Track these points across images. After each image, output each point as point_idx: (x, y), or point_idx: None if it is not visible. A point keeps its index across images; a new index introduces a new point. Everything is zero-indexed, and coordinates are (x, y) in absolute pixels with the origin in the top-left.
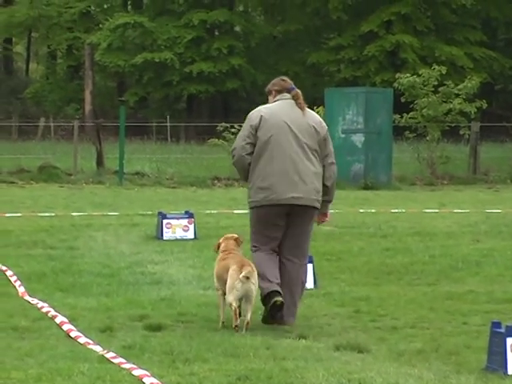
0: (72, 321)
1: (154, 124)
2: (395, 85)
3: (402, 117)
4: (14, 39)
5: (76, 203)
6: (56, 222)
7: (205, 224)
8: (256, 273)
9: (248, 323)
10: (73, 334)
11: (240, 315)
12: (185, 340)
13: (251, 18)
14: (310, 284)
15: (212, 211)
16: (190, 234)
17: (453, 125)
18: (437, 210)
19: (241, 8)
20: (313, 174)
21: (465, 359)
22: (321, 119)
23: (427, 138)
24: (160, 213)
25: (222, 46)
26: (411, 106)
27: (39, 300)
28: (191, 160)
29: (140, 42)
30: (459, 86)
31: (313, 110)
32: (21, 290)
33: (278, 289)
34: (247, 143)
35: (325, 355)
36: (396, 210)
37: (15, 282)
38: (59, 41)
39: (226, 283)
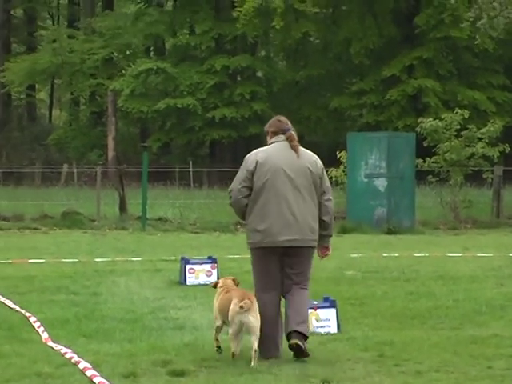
0: (95, 366)
1: (177, 169)
2: (417, 129)
3: (424, 161)
4: (37, 86)
5: (99, 249)
6: (79, 268)
7: (228, 269)
8: (256, 306)
9: (255, 351)
10: (96, 380)
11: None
12: None
13: (273, 63)
14: (333, 329)
15: (235, 256)
16: (213, 279)
17: (476, 169)
18: (460, 254)
19: (263, 53)
20: (308, 215)
21: None
22: (316, 158)
23: (450, 182)
24: (183, 258)
25: (244, 91)
26: (434, 150)
27: (62, 346)
28: (214, 205)
29: (163, 87)
30: (482, 130)
31: (336, 154)
32: (44, 335)
33: (274, 352)
34: (243, 186)
35: None
36: (419, 254)
37: (38, 327)
38: (82, 87)
39: (227, 315)
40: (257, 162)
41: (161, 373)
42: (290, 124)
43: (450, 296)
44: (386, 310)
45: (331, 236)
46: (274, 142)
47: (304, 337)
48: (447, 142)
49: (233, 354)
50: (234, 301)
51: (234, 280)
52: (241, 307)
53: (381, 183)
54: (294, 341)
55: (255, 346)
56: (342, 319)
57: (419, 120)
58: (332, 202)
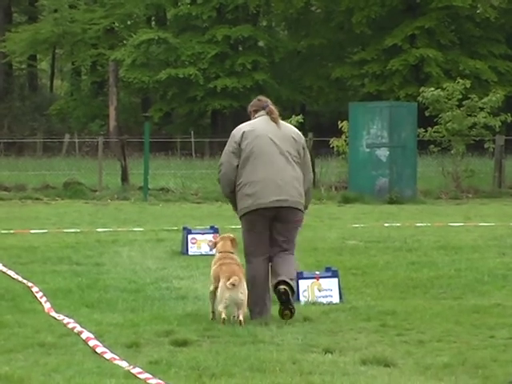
0: (98, 337)
1: (179, 140)
2: (419, 99)
3: (426, 131)
4: (38, 56)
5: (101, 219)
6: (81, 238)
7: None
8: (244, 282)
9: (241, 322)
10: (99, 350)
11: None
12: (211, 355)
13: (275, 33)
14: (335, 298)
15: (237, 226)
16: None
17: (477, 139)
18: (462, 224)
19: (264, 23)
20: (295, 179)
21: (492, 373)
22: (298, 131)
23: (452, 151)
24: (185, 228)
25: (245, 61)
26: (435, 120)
27: (65, 316)
28: (216, 175)
29: (164, 57)
30: (484, 100)
31: (337, 124)
32: (47, 306)
33: (266, 314)
34: (233, 158)
35: (351, 370)
36: (421, 224)
37: (41, 298)
38: (83, 57)
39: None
40: (243, 132)
41: (163, 343)
42: (269, 101)
43: (451, 266)
44: (388, 279)
45: (307, 208)
46: (257, 117)
47: (291, 291)
48: (449, 112)
49: (223, 319)
50: (223, 280)
51: (232, 241)
52: (232, 284)
53: (382, 153)
54: (283, 286)
55: (241, 317)
56: (344, 289)
57: (421, 89)
58: (311, 175)
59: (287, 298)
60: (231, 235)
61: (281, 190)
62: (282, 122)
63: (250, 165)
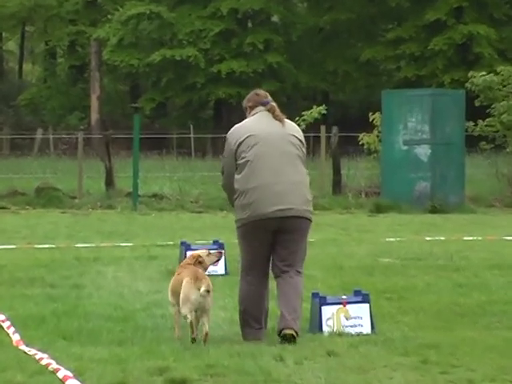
0: (78, 375)
1: (175, 136)
2: (468, 85)
3: (476, 124)
4: (4, 34)
5: (81, 232)
6: (57, 256)
7: (238, 256)
8: (211, 285)
9: (207, 334)
10: None
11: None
12: None
13: (292, 5)
14: (366, 328)
15: None
16: (220, 269)
17: None
18: None
19: None
20: (300, 183)
21: None
22: (299, 129)
23: (507, 149)
24: (183, 243)
25: (256, 40)
26: (488, 110)
27: (38, 350)
28: (220, 179)
29: (157, 36)
30: None
31: (368, 116)
32: (15, 337)
33: (260, 337)
34: (231, 162)
35: None
36: (470, 238)
37: (8, 328)
38: (59, 36)
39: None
40: (239, 133)
41: (157, 382)
42: (269, 97)
43: (508, 289)
44: (429, 305)
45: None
46: (255, 114)
47: (296, 333)
48: (504, 101)
49: (191, 323)
50: (187, 279)
51: (196, 258)
52: (206, 291)
53: (423, 151)
54: (289, 332)
55: (207, 327)
56: (376, 317)
57: (470, 74)
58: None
59: (292, 338)
60: (200, 253)
61: (283, 197)
62: (286, 120)
63: (247, 170)
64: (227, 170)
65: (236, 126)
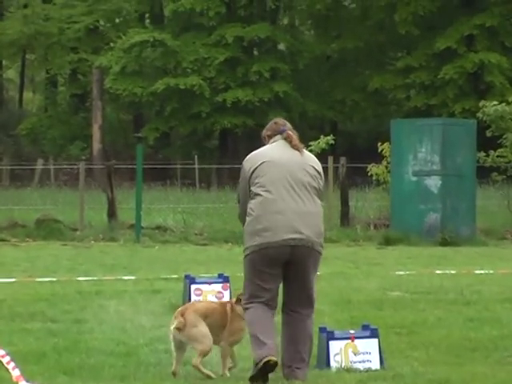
0: None
1: (179, 166)
2: (479, 115)
3: (487, 155)
4: (4, 62)
5: (83, 265)
6: (58, 289)
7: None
8: (192, 318)
9: (193, 366)
10: None
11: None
12: None
13: (299, 33)
14: (375, 364)
15: None
16: None
17: None
18: None
19: (285, 21)
20: (315, 215)
21: None
22: (317, 161)
23: None
24: (187, 276)
25: (262, 68)
26: (500, 141)
27: None
28: (225, 210)
29: (161, 64)
30: None
31: (376, 147)
32: (15, 373)
33: (273, 353)
34: (247, 191)
35: None
36: (482, 271)
37: (8, 363)
38: (61, 64)
39: None
40: (254, 161)
41: None
42: (288, 125)
43: None
44: (440, 340)
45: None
46: (272, 143)
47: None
48: None
49: (173, 372)
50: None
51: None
52: (176, 329)
53: (433, 182)
54: (290, 379)
55: (195, 360)
56: (385, 352)
57: (481, 104)
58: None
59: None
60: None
61: (297, 226)
62: (304, 150)
63: (260, 197)
64: (242, 198)
65: (252, 153)
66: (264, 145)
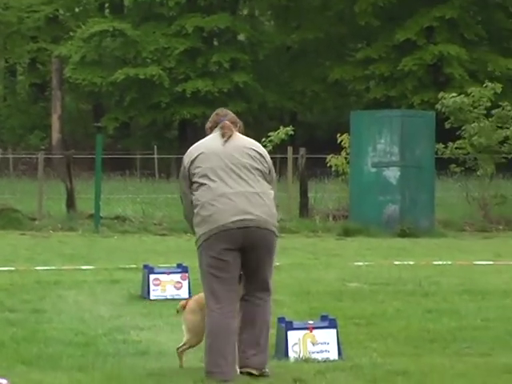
0: None
1: (139, 156)
2: (438, 107)
3: (446, 147)
4: None
5: (41, 255)
6: (17, 279)
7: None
8: (189, 306)
9: (177, 351)
10: None
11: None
12: None
13: (259, 24)
14: (333, 354)
15: None
16: (184, 293)
17: (510, 156)
18: (491, 262)
19: (246, 12)
20: (262, 195)
21: None
22: (260, 145)
23: (478, 172)
24: (146, 266)
25: (222, 58)
26: (458, 133)
27: None
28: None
29: (121, 54)
30: None
31: (336, 138)
32: None
33: (228, 377)
34: (186, 184)
35: None
36: (440, 263)
37: None
38: (20, 53)
39: None
40: (191, 153)
41: None
42: (230, 115)
43: (478, 314)
44: (398, 331)
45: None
46: (209, 135)
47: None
48: (475, 123)
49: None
50: None
51: None
52: (177, 310)
53: (392, 174)
54: (247, 370)
55: (180, 348)
56: (344, 343)
57: (440, 95)
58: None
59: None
60: None
61: (243, 208)
62: (239, 135)
63: (203, 186)
64: (185, 197)
65: (189, 148)
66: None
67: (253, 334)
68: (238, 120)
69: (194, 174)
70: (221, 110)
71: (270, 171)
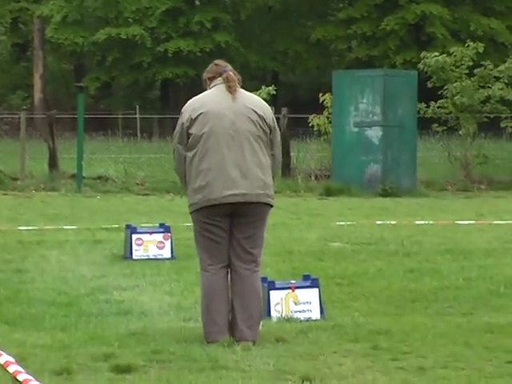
0: (20, 361)
1: (121, 116)
2: (420, 66)
3: (428, 106)
4: None
5: (24, 215)
6: None
7: (184, 240)
8: None
9: None
10: (21, 377)
11: None
12: None
13: None
14: (315, 314)
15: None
16: (166, 253)
17: (492, 116)
18: (473, 222)
19: None
20: (257, 166)
21: None
22: (265, 104)
23: (460, 132)
24: (128, 226)
25: (204, 18)
26: (440, 92)
27: None
28: (167, 161)
29: (102, 14)
30: (500, 68)
31: (318, 98)
32: None
33: (224, 335)
34: (182, 141)
35: None
36: (422, 222)
37: None
38: (1, 13)
39: None
40: (192, 109)
41: (101, 368)
42: (229, 66)
43: (460, 274)
44: (380, 291)
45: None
46: (213, 87)
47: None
48: (457, 83)
49: None
50: None
51: None
52: None
53: (374, 133)
54: (241, 343)
55: None
56: (326, 302)
57: (422, 55)
58: (280, 156)
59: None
60: None
61: (235, 182)
62: (242, 91)
63: (199, 152)
64: (178, 152)
65: (191, 101)
66: (205, 89)
67: (243, 305)
68: (236, 72)
69: (192, 135)
70: (220, 61)
71: (271, 130)
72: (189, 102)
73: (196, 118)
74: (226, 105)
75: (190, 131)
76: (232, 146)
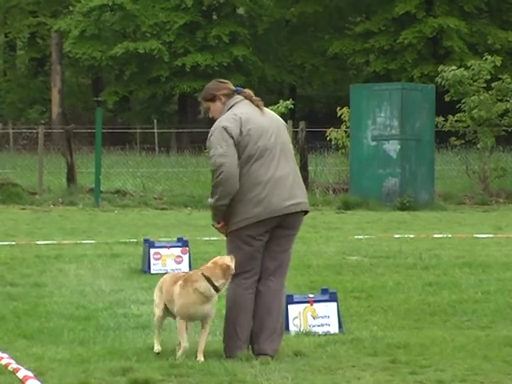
0: (38, 375)
1: (138, 130)
2: (438, 80)
3: (446, 120)
4: None
5: (42, 229)
6: (17, 253)
7: (202, 254)
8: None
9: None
10: None
11: None
12: None
13: None
14: (333, 328)
15: (211, 238)
16: (184, 267)
17: (510, 129)
18: (491, 235)
19: None
20: (298, 175)
21: None
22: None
23: (478, 145)
24: (146, 240)
25: (222, 32)
26: (458, 106)
27: None
28: (185, 175)
29: (120, 28)
30: None
31: (336, 111)
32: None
33: (244, 350)
34: (235, 154)
35: None
36: (440, 236)
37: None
38: (19, 28)
39: None
40: (240, 126)
41: (120, 383)
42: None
43: (478, 287)
44: (399, 304)
45: None
46: (236, 103)
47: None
48: (475, 96)
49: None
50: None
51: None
52: None
53: (392, 147)
54: (262, 357)
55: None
56: (344, 316)
57: (440, 68)
58: None
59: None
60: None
61: (293, 191)
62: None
63: (255, 163)
64: (230, 163)
65: (230, 115)
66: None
67: (270, 319)
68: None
69: (244, 146)
70: (220, 79)
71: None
72: (229, 118)
73: (246, 133)
74: (264, 119)
75: (243, 142)
76: (281, 158)
